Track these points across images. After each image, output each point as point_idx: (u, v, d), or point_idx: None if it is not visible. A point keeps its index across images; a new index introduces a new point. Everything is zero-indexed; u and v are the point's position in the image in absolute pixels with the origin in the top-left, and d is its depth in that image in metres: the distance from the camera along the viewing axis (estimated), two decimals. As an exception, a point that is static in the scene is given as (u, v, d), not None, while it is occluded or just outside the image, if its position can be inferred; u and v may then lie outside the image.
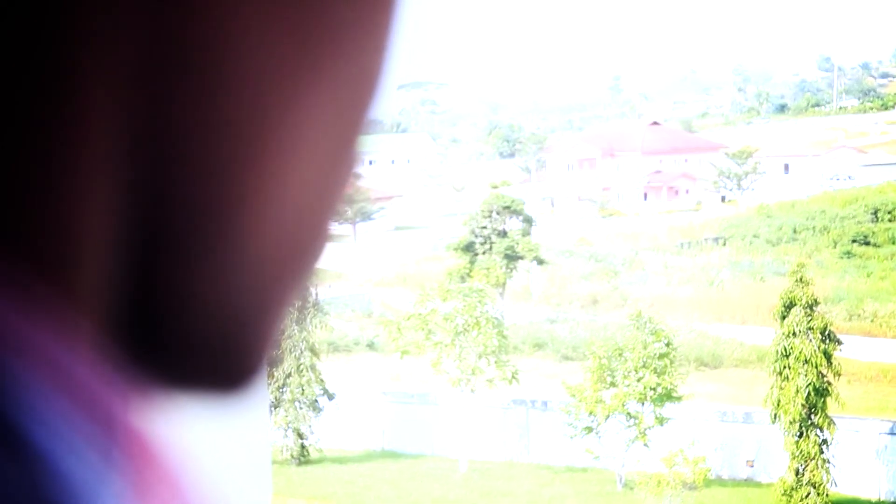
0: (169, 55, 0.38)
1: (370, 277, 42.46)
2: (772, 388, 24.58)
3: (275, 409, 26.55)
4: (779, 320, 25.36)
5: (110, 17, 0.36)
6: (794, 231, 48.37)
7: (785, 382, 24.53)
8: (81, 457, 0.33)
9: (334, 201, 0.45)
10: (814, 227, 48.20)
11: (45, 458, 0.32)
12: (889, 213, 47.78)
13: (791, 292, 25.19)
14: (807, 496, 23.06)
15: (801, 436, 23.88)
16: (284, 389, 27.35)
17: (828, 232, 47.38)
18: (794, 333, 24.69)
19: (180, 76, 0.38)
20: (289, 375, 27.24)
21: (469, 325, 27.97)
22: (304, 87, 0.41)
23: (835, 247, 45.90)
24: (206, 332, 0.41)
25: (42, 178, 0.35)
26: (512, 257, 39.12)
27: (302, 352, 27.37)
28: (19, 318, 0.34)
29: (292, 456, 27.24)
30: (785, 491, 23.17)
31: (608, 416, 24.87)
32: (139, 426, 0.36)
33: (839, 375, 24.83)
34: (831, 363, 24.69)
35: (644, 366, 25.01)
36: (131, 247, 0.38)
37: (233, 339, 0.42)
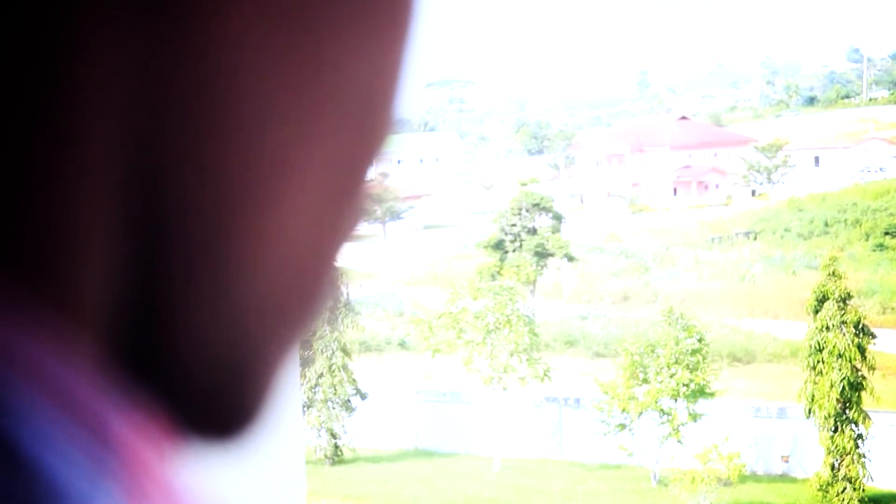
0: (168, 81, 0.37)
1: (401, 276, 42.49)
2: (805, 382, 24.44)
3: (308, 409, 26.62)
4: (812, 314, 25.20)
5: (112, 41, 0.36)
6: (826, 224, 48.05)
7: (819, 377, 24.38)
8: (79, 470, 0.33)
9: (340, 240, 0.44)
10: (845, 220, 47.87)
11: (42, 472, 0.32)
12: (921, 204, 47.41)
13: (823, 286, 25.03)
14: (843, 491, 22.91)
15: (836, 431, 23.72)
16: (317, 389, 27.42)
17: (860, 224, 47.05)
18: (827, 328, 24.54)
19: (180, 102, 0.37)
20: (321, 375, 27.31)
21: (500, 323, 27.94)
22: (308, 116, 0.40)
23: (867, 239, 45.57)
24: (201, 368, 0.40)
25: (43, 197, 0.35)
26: (542, 255, 39.04)
27: (334, 352, 27.43)
28: (18, 334, 0.33)
29: (326, 456, 27.29)
30: (821, 486, 23.03)
31: (641, 413, 24.78)
32: (139, 439, 0.35)
33: (873, 369, 24.66)
34: (865, 357, 24.53)
35: (676, 362, 24.90)
36: (130, 274, 0.38)
37: (229, 379, 0.41)
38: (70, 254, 0.36)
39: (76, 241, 0.36)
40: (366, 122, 0.42)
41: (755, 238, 47.99)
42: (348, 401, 27.59)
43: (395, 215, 49.64)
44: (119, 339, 0.38)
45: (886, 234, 45.13)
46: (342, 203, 0.43)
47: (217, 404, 0.41)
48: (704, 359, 25.39)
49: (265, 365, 0.42)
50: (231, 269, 0.40)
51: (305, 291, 0.43)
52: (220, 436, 0.42)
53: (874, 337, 25.48)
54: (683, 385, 24.75)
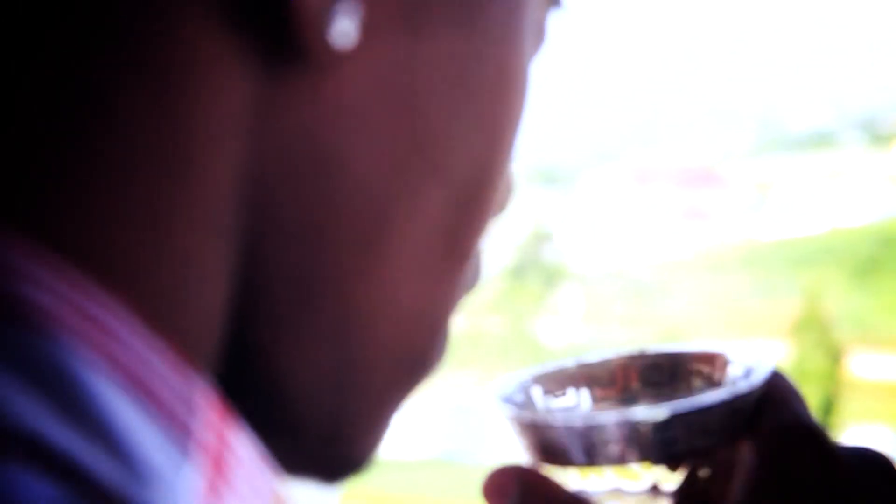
0: (286, 144, 0.38)
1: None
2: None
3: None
4: (793, 335, 28.37)
5: (235, 104, 0.37)
6: (808, 258, 51.49)
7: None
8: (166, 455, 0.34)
9: (452, 301, 0.45)
10: (826, 255, 51.32)
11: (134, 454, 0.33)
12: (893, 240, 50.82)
13: (805, 311, 28.23)
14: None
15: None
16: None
17: (839, 259, 50.48)
18: (807, 349, 27.65)
19: (293, 165, 0.39)
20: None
21: (513, 343, 31.22)
22: (417, 184, 0.41)
23: (845, 272, 48.98)
24: (310, 420, 0.42)
25: (162, 234, 0.37)
26: (552, 281, 42.53)
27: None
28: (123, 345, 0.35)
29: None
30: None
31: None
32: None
33: (849, 389, 27.59)
34: (841, 379, 27.48)
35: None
36: (237, 318, 0.40)
37: (338, 428, 0.43)
38: (184, 289, 0.37)
39: (190, 279, 0.38)
40: (478, 193, 0.43)
41: (745, 270, 51.34)
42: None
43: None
44: (227, 376, 0.40)
45: (861, 266, 48.33)
46: (455, 266, 0.44)
47: (325, 452, 0.43)
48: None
49: (375, 417, 0.44)
50: (340, 323, 0.41)
51: (418, 348, 0.44)
52: (327, 480, 0.44)
53: (851, 359, 28.54)
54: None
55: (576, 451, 0.53)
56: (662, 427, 0.54)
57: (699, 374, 0.58)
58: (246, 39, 0.37)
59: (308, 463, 0.44)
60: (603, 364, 0.60)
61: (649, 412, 0.53)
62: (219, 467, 0.36)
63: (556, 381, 0.58)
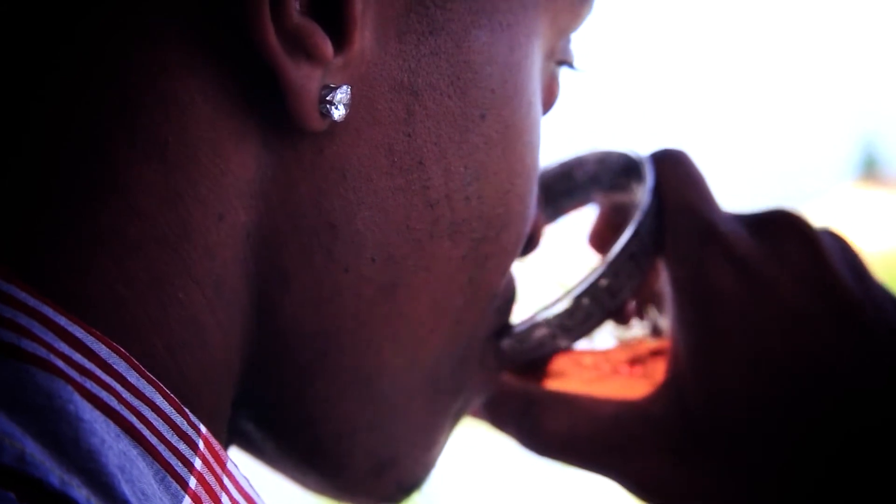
0: (291, 215, 0.40)
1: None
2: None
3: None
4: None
5: (243, 165, 0.39)
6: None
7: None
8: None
9: (481, 333, 0.47)
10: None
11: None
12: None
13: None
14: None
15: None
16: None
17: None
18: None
19: (302, 235, 0.40)
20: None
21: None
22: (426, 245, 0.42)
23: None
24: (354, 458, 0.44)
25: (164, 292, 0.39)
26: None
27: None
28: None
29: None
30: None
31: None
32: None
33: None
34: None
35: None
36: (268, 376, 0.42)
37: (385, 463, 0.45)
38: (188, 344, 0.39)
39: (195, 335, 0.39)
40: (496, 245, 0.44)
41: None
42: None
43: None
44: (269, 422, 0.43)
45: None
46: (477, 308, 0.45)
47: (377, 481, 0.46)
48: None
49: (421, 446, 0.46)
50: (364, 371, 0.42)
51: (449, 380, 0.46)
52: (385, 502, 0.47)
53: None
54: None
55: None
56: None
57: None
58: (248, 115, 0.39)
59: (363, 489, 0.46)
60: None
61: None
62: None
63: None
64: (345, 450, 0.44)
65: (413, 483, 0.47)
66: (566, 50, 0.50)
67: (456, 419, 0.49)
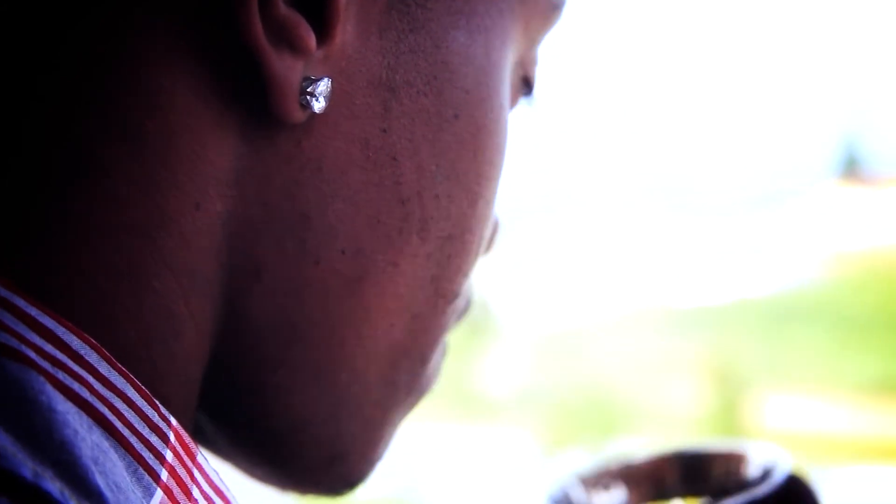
0: (265, 205, 0.40)
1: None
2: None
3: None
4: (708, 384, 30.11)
5: (222, 157, 0.39)
6: (721, 321, 53.33)
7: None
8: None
9: (435, 341, 0.47)
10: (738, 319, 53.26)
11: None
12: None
13: (717, 362, 30.03)
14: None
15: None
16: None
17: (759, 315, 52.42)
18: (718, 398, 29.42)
19: (276, 226, 0.41)
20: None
21: (450, 393, 32.88)
22: (396, 241, 0.42)
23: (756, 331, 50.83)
24: (309, 447, 0.45)
25: (143, 286, 0.39)
26: (485, 333, 44.05)
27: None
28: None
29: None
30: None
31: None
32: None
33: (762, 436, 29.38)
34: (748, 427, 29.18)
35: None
36: (233, 365, 0.42)
37: (337, 454, 0.46)
38: (162, 333, 0.39)
39: (169, 325, 0.39)
40: (461, 244, 0.45)
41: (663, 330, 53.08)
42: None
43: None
44: (226, 410, 0.43)
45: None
46: (440, 307, 0.45)
47: (327, 472, 0.46)
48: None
49: (371, 441, 0.46)
50: (328, 363, 0.43)
51: (406, 380, 0.46)
52: (329, 495, 0.48)
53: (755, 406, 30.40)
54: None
55: None
56: None
57: (726, 472, 0.60)
58: (228, 105, 0.39)
59: (311, 480, 0.46)
60: (640, 464, 0.61)
61: None
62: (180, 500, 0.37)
63: (596, 480, 0.58)
64: (297, 442, 0.44)
65: (358, 477, 0.48)
66: (532, 64, 0.50)
67: (403, 417, 0.49)
